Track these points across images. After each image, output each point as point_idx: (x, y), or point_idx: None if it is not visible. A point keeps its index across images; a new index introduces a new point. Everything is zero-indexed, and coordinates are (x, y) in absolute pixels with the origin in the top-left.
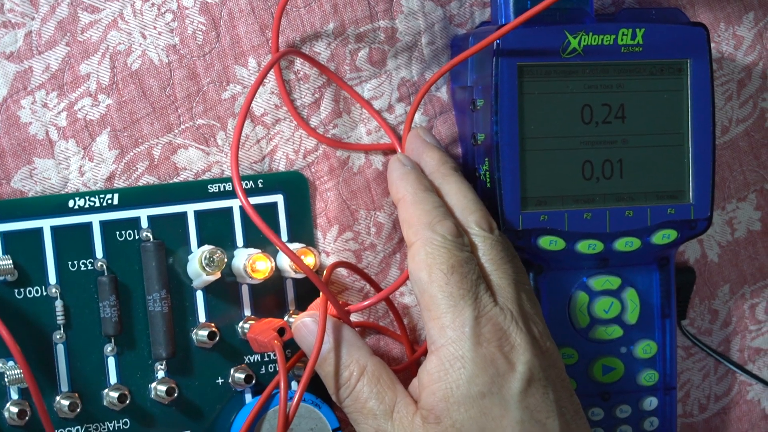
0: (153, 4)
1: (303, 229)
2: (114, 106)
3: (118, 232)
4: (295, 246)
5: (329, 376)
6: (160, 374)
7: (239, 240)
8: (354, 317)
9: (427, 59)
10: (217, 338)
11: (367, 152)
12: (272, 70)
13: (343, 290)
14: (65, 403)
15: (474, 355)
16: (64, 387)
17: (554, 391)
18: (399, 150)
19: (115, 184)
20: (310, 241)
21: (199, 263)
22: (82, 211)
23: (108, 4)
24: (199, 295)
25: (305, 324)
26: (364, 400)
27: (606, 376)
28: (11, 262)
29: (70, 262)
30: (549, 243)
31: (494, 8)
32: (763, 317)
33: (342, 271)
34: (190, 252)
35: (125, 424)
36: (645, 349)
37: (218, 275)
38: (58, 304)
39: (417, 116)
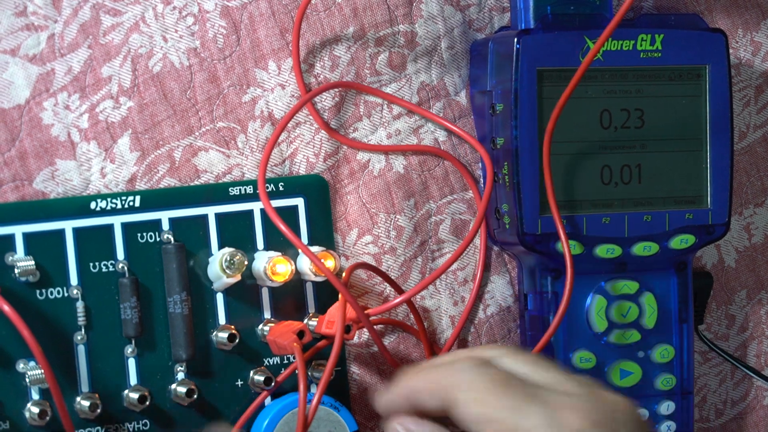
0: (174, 8)
1: (323, 233)
2: (135, 108)
3: (139, 234)
4: (315, 249)
5: None
6: (180, 376)
7: (260, 243)
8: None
9: (446, 63)
10: (237, 341)
11: (387, 155)
12: (293, 72)
13: (363, 293)
14: (86, 403)
15: None
16: (85, 388)
17: None
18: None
19: (136, 186)
20: (330, 245)
21: (219, 266)
22: (103, 212)
23: (130, 7)
24: (219, 298)
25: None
26: None
27: (623, 381)
28: (33, 263)
29: (91, 264)
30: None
31: (514, 13)
32: None
33: (361, 274)
34: (210, 254)
35: (145, 425)
36: (662, 353)
37: (238, 278)
38: (80, 306)
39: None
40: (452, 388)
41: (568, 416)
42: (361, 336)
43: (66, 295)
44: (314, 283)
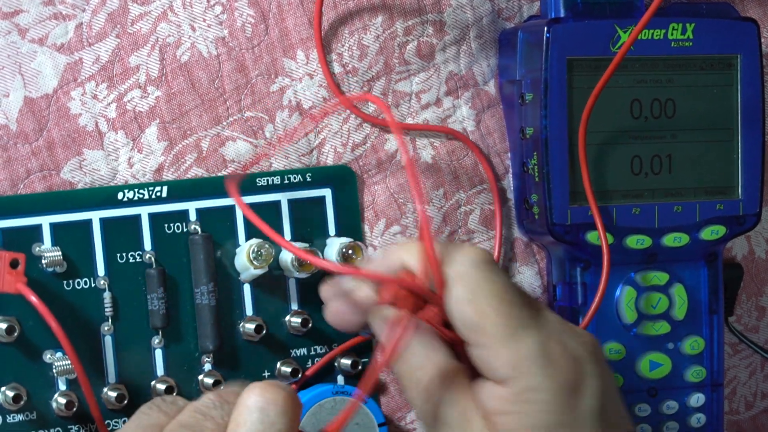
0: None
1: (350, 223)
2: (163, 98)
3: (166, 225)
4: (342, 240)
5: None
6: (207, 367)
7: (287, 234)
8: None
9: (475, 53)
10: (264, 332)
11: (415, 145)
12: (320, 62)
13: None
14: (113, 394)
15: (549, 383)
16: (112, 379)
17: (620, 395)
18: None
19: (163, 176)
20: (358, 236)
21: (246, 257)
22: (131, 203)
23: None
24: (247, 289)
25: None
26: (437, 401)
27: (653, 372)
28: (60, 253)
29: (118, 254)
30: (597, 238)
31: (543, 2)
32: None
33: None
34: (237, 245)
35: None
36: (692, 345)
37: (266, 269)
38: (107, 296)
39: (465, 110)
40: (453, 277)
41: (553, 347)
42: None
43: (93, 285)
44: None
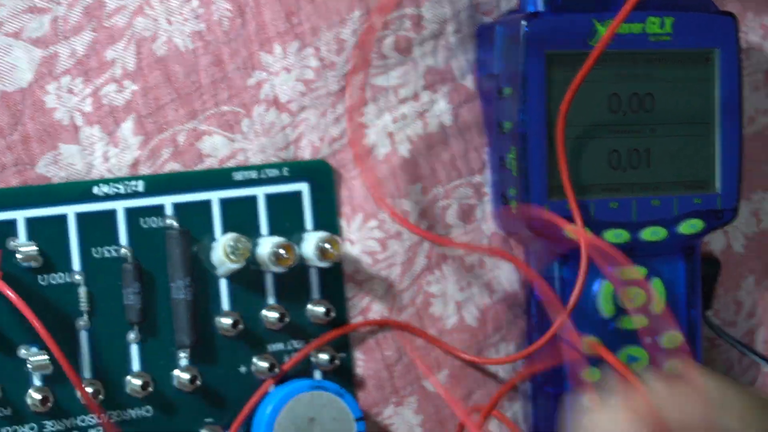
0: None
1: (328, 218)
2: (139, 92)
3: (142, 219)
4: (319, 235)
5: None
6: (183, 362)
7: (264, 228)
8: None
9: (452, 47)
10: (241, 327)
11: (392, 140)
12: (298, 56)
13: (367, 279)
14: (89, 390)
15: None
16: (87, 374)
17: None
18: None
19: (139, 171)
20: (335, 229)
21: (223, 251)
22: (107, 198)
23: None
24: (223, 283)
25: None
26: None
27: (631, 366)
28: (36, 248)
29: (94, 249)
30: (576, 232)
31: None
32: None
33: (366, 258)
34: (214, 240)
35: (147, 411)
36: (670, 339)
37: (242, 263)
38: (82, 291)
39: (443, 104)
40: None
41: None
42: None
43: (68, 280)
44: (318, 268)
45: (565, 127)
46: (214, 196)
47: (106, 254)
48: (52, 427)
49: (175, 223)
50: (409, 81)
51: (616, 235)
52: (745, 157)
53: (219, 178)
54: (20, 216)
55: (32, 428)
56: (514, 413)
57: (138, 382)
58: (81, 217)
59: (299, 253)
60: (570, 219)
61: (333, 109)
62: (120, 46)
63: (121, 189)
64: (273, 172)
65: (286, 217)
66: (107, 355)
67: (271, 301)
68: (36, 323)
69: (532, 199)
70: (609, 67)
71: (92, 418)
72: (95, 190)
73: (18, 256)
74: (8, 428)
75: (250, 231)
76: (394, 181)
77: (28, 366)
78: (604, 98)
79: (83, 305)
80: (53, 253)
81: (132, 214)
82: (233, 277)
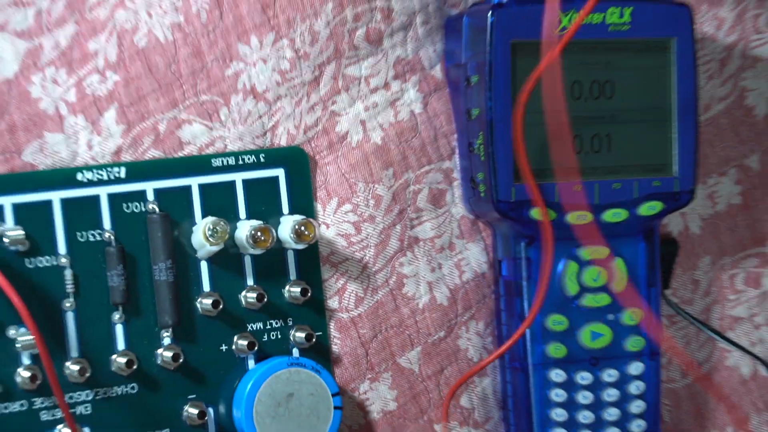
0: None
1: (303, 202)
2: (121, 82)
3: (125, 205)
4: (295, 218)
5: None
6: (166, 341)
7: (242, 212)
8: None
9: (421, 38)
10: (221, 307)
11: (365, 127)
12: (273, 47)
13: (343, 260)
14: (75, 368)
15: None
16: (74, 353)
17: None
18: None
19: (122, 158)
20: (311, 213)
21: (203, 234)
22: (90, 184)
23: None
24: (204, 265)
25: None
26: None
27: (594, 342)
28: (23, 232)
29: (78, 233)
30: (540, 214)
31: None
32: (741, 287)
33: (341, 241)
34: (194, 224)
35: (132, 388)
36: (631, 316)
37: (221, 246)
38: (68, 274)
39: (412, 93)
40: None
41: None
42: (341, 301)
43: (54, 263)
44: (295, 250)
45: (529, 113)
46: (194, 182)
47: (91, 238)
48: (41, 403)
49: (156, 208)
50: (380, 71)
51: (580, 217)
52: (701, 142)
53: (198, 164)
54: (7, 202)
55: (22, 405)
56: (483, 388)
57: (123, 360)
58: (66, 203)
59: (276, 235)
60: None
61: (308, 98)
62: (102, 38)
63: (104, 175)
64: (250, 159)
65: (263, 202)
66: (93, 335)
67: (250, 282)
68: (18, 303)
69: (499, 182)
70: (571, 56)
71: (80, 394)
72: (79, 176)
73: (5, 240)
74: None
75: (229, 215)
76: (367, 167)
77: (17, 345)
78: (567, 86)
79: (69, 287)
80: (39, 237)
81: (115, 199)
82: (213, 259)
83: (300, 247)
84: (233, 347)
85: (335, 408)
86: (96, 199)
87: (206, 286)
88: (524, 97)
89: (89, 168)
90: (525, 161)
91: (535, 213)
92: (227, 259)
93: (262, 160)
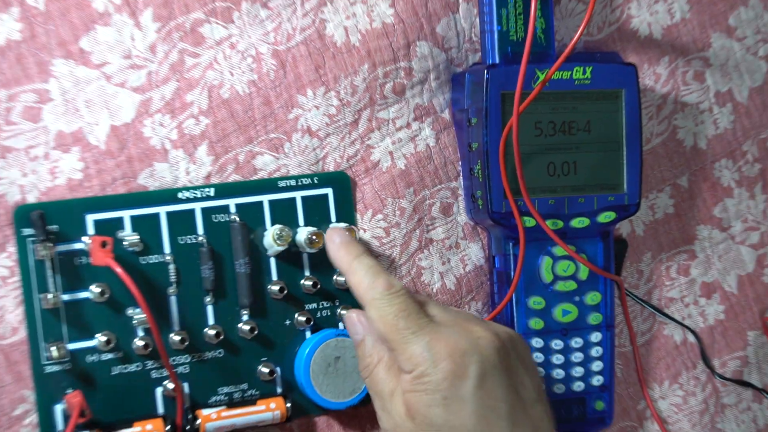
0: (238, 51)
1: (347, 213)
2: (210, 124)
3: (213, 216)
4: (341, 224)
5: (361, 358)
6: (245, 317)
7: (301, 221)
8: None
9: (434, 90)
10: (285, 291)
11: (392, 156)
12: (324, 97)
13: (376, 257)
14: (177, 338)
15: (435, 371)
16: (176, 327)
17: (509, 375)
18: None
19: (211, 181)
20: (352, 221)
21: (271, 237)
22: (188, 200)
23: (206, 51)
24: (272, 261)
25: (349, 317)
26: (377, 381)
27: (565, 318)
28: (138, 237)
29: (179, 238)
30: (524, 221)
31: (483, 52)
32: (675, 275)
33: (375, 243)
34: (265, 230)
35: (220, 353)
36: (592, 298)
37: (286, 246)
38: (171, 268)
39: (428, 131)
40: (369, 302)
41: (437, 345)
42: None
43: (161, 260)
44: None
45: (516, 146)
46: (265, 199)
47: (188, 241)
48: (152, 365)
49: (237, 218)
50: (403, 114)
51: (554, 224)
52: (644, 167)
53: (268, 185)
54: (126, 214)
55: (137, 366)
56: None
57: (212, 332)
58: (170, 215)
59: None
60: (521, 213)
61: (350, 135)
62: (196, 92)
63: (198, 194)
64: (307, 181)
65: (316, 213)
66: (190, 313)
67: (307, 273)
68: (134, 290)
69: (493, 198)
70: (546, 102)
71: (180, 357)
72: (180, 195)
73: (125, 243)
74: (121, 366)
75: (291, 223)
76: (393, 186)
77: (134, 322)
78: (544, 124)
79: (172, 278)
80: (150, 241)
81: (206, 212)
82: (279, 256)
83: (313, 251)
84: (294, 322)
85: None
86: (192, 212)
87: (274, 276)
88: (505, 134)
89: (187, 188)
90: (506, 183)
91: (520, 220)
92: (290, 256)
93: (315, 182)
